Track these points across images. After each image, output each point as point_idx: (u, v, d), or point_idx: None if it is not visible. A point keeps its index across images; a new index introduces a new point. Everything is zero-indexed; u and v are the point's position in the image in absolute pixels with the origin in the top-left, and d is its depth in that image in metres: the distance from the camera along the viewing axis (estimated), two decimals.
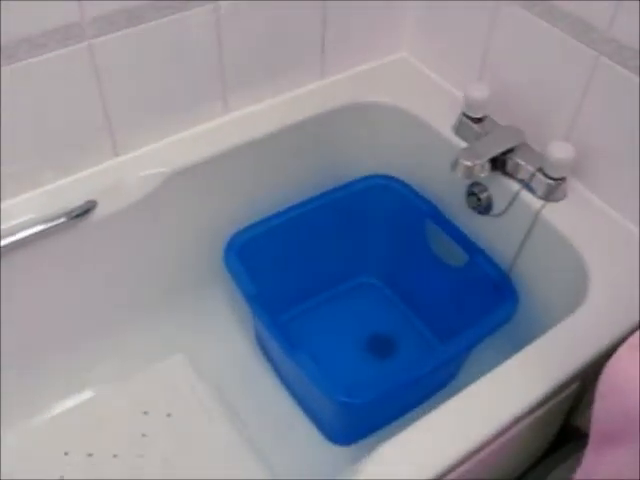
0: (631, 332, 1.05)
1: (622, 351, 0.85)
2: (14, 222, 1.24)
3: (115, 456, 1.38)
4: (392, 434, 1.01)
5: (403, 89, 1.53)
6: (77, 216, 1.27)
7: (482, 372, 1.08)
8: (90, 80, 1.21)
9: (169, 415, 1.44)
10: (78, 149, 1.29)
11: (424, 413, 1.03)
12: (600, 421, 0.88)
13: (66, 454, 1.38)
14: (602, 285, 1.18)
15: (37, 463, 1.36)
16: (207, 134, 1.40)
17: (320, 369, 1.20)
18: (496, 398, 1.04)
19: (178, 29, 1.25)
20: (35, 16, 1.09)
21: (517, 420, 1.04)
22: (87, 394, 1.46)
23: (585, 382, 1.15)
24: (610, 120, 1.23)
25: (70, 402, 1.45)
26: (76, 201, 1.28)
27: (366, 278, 1.67)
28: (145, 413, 1.44)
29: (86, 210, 1.28)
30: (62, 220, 1.26)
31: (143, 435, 1.41)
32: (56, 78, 1.18)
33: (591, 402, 0.88)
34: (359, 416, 1.37)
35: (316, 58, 1.48)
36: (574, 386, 1.13)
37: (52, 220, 1.25)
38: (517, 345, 1.12)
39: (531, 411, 1.05)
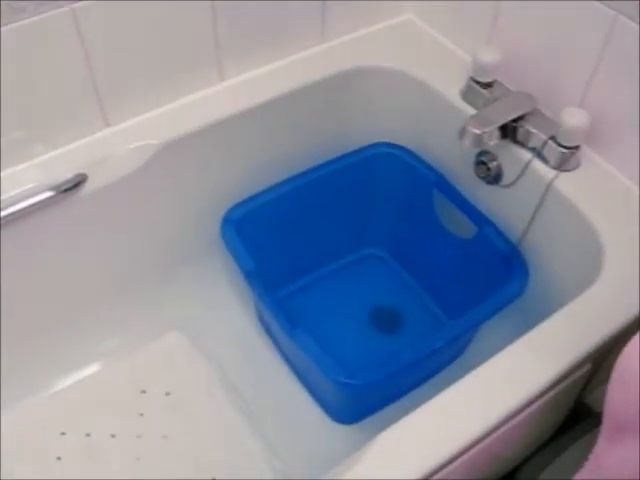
0: None
1: (637, 338, 0.81)
2: (3, 197, 1.19)
3: (113, 436, 1.35)
4: (397, 412, 0.98)
5: (408, 53, 1.46)
6: (66, 190, 1.22)
7: (490, 347, 1.04)
8: (75, 47, 1.15)
9: (168, 394, 1.40)
10: (67, 120, 1.24)
11: (430, 391, 0.99)
12: (613, 410, 0.85)
13: (63, 434, 1.35)
14: (617, 260, 1.13)
15: (34, 443, 1.33)
16: (202, 103, 1.35)
17: (321, 348, 1.15)
18: (506, 380, 1.00)
19: None
20: None
21: (528, 403, 1.00)
22: (84, 373, 1.43)
23: (598, 362, 1.10)
24: (628, 85, 1.16)
25: (67, 381, 1.42)
26: (66, 174, 1.23)
27: (371, 250, 1.62)
28: (143, 392, 1.40)
29: (76, 184, 1.23)
30: (51, 194, 1.21)
31: (141, 414, 1.38)
32: (39, 45, 1.12)
33: (603, 380, 0.85)
34: (362, 396, 1.33)
35: (316, 21, 1.42)
36: (587, 367, 1.09)
37: (41, 194, 1.20)
38: (527, 320, 1.09)
39: (542, 394, 1.01)
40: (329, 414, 1.37)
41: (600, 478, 0.89)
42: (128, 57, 1.23)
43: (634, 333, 0.82)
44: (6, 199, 1.19)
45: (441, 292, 1.52)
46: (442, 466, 0.94)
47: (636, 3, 1.09)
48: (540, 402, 1.03)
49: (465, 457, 0.97)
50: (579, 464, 0.95)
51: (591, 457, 0.91)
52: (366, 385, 1.15)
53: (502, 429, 1.00)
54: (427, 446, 0.94)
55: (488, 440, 0.99)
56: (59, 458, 1.32)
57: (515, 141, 1.28)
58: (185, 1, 1.22)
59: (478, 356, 1.04)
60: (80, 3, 1.11)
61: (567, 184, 1.23)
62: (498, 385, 0.99)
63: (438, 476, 0.95)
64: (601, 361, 1.14)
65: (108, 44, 1.19)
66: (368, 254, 1.62)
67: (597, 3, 1.14)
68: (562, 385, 1.05)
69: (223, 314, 1.52)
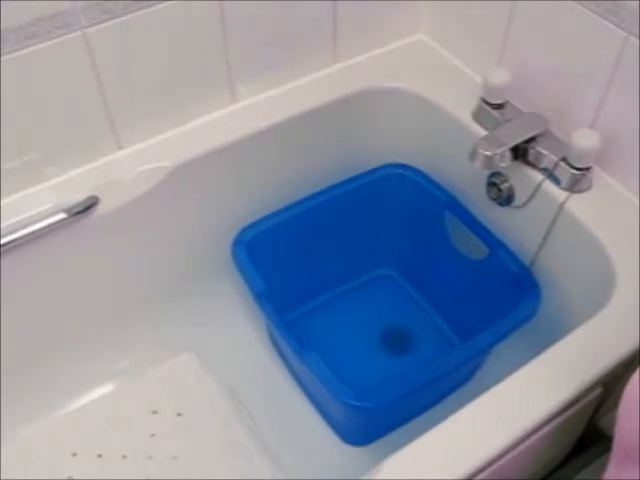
0: None
1: None
2: (16, 219, 1.21)
3: (124, 457, 1.35)
4: (408, 434, 0.97)
5: (420, 74, 1.47)
6: (79, 212, 1.23)
7: (502, 369, 1.04)
8: (87, 71, 1.16)
9: (179, 414, 1.40)
10: (79, 143, 1.25)
11: (442, 413, 0.99)
12: (623, 437, 0.84)
13: (74, 455, 1.35)
14: (629, 283, 1.12)
15: (46, 464, 1.34)
16: (214, 125, 1.35)
17: (331, 369, 1.15)
18: (517, 404, 0.99)
19: (179, 15, 1.20)
20: (25, 5, 1.05)
21: (539, 427, 0.99)
22: (96, 394, 1.43)
23: (609, 385, 1.09)
24: (638, 105, 1.15)
25: (79, 402, 1.42)
26: (78, 197, 1.24)
27: (382, 271, 1.61)
28: (154, 412, 1.40)
29: (88, 206, 1.24)
30: (63, 216, 1.22)
31: (152, 435, 1.38)
32: (52, 70, 1.13)
33: (615, 404, 0.84)
34: (371, 418, 1.33)
35: (328, 42, 1.42)
36: (598, 390, 1.08)
37: (53, 216, 1.21)
38: (538, 341, 1.08)
39: (553, 417, 1.00)
40: (340, 435, 1.37)
41: None
42: (140, 80, 1.24)
43: None
44: (19, 221, 1.20)
45: (452, 313, 1.51)
46: None
47: None
48: (551, 425, 1.02)
49: None
50: None
51: None
52: (375, 408, 1.15)
53: (513, 452, 0.99)
54: (437, 469, 0.93)
55: (499, 463, 0.98)
56: (71, 479, 1.32)
57: (526, 162, 1.28)
58: (196, 24, 1.23)
59: (490, 378, 1.03)
60: (92, 28, 1.12)
61: (579, 205, 1.23)
62: (509, 408, 0.99)
63: None
64: (613, 385, 1.12)
65: (120, 68, 1.20)
66: (379, 275, 1.61)
67: (608, 24, 1.14)
68: (573, 409, 1.04)
69: (234, 335, 1.52)
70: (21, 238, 1.19)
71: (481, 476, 0.97)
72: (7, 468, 1.32)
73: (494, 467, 0.98)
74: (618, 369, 1.03)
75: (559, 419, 1.03)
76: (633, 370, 0.81)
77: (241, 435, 1.37)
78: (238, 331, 1.53)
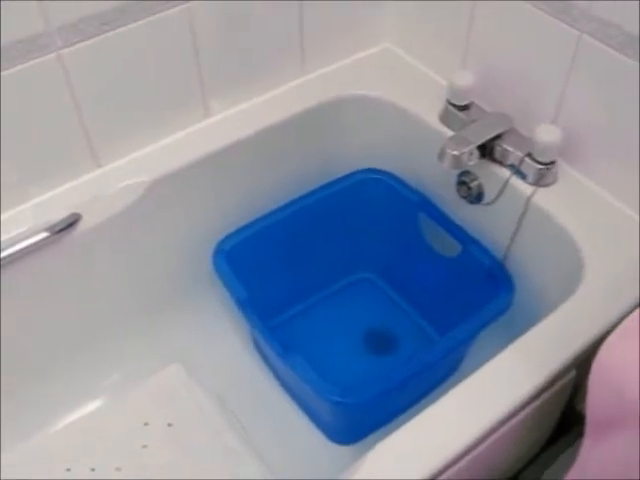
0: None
1: (612, 339, 0.84)
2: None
3: (118, 469, 1.37)
4: (394, 431, 1.00)
5: (388, 80, 1.51)
6: (61, 230, 1.25)
7: (484, 361, 1.06)
8: (63, 92, 1.19)
9: (170, 425, 1.42)
10: (59, 162, 1.28)
11: (426, 408, 1.01)
12: (594, 410, 0.87)
13: (68, 470, 1.37)
14: (597, 271, 1.16)
15: None
16: (189, 140, 1.39)
17: (315, 369, 1.18)
18: (491, 391, 1.03)
19: (151, 35, 1.23)
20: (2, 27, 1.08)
21: (515, 412, 1.03)
22: (87, 408, 1.45)
23: (582, 369, 1.12)
24: (597, 100, 1.20)
25: (70, 417, 1.44)
26: (59, 215, 1.26)
27: (361, 274, 1.65)
28: (146, 424, 1.42)
29: (70, 223, 1.26)
30: (46, 235, 1.24)
31: (144, 446, 1.40)
32: (29, 91, 1.16)
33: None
34: (357, 415, 1.35)
35: (296, 54, 1.46)
36: (571, 374, 1.11)
37: (36, 235, 1.24)
38: (517, 331, 1.11)
39: (528, 402, 1.04)
40: (328, 435, 1.40)
41: (586, 476, 0.91)
42: (115, 99, 1.27)
43: None
44: (2, 242, 1.22)
45: (432, 311, 1.54)
46: (434, 476, 0.96)
47: (598, 22, 1.13)
48: (528, 410, 1.06)
49: (457, 467, 1.00)
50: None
51: (578, 457, 0.94)
52: (359, 403, 1.18)
53: (492, 438, 1.02)
54: (419, 457, 0.96)
55: (479, 449, 1.01)
56: None
57: (493, 160, 1.32)
58: (168, 43, 1.26)
59: (472, 371, 1.06)
60: (66, 49, 1.15)
61: (546, 199, 1.27)
62: (485, 395, 1.02)
63: None
64: (586, 368, 1.16)
65: (95, 87, 1.23)
66: (359, 278, 1.65)
67: (561, 23, 1.18)
68: (549, 392, 1.08)
69: (220, 344, 1.54)
70: (4, 259, 1.21)
71: (463, 462, 1.00)
72: None
73: (475, 453, 1.01)
74: (589, 352, 1.06)
75: (536, 403, 1.06)
76: None
77: (232, 441, 1.39)
78: (223, 341, 1.55)
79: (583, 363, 1.09)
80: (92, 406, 1.46)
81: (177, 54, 1.29)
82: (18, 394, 1.41)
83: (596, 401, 0.86)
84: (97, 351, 1.47)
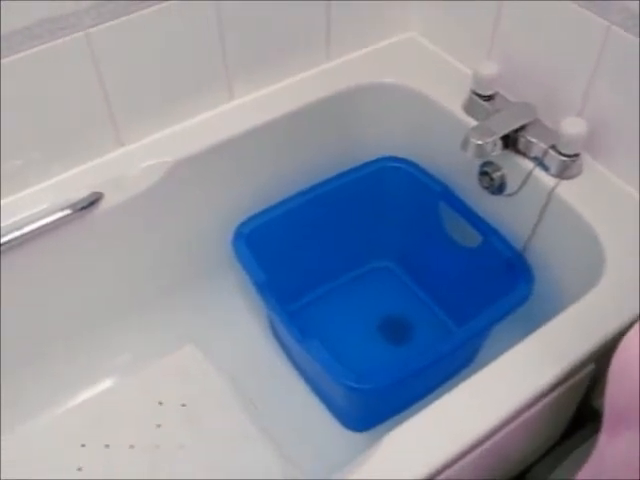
0: None
1: (633, 333, 0.83)
2: (20, 216, 1.24)
3: (132, 447, 1.38)
4: (408, 419, 0.99)
5: (412, 69, 1.50)
6: (83, 208, 1.26)
7: (500, 353, 1.06)
8: (89, 70, 1.20)
9: (184, 405, 1.43)
10: (82, 141, 1.28)
11: (439, 398, 1.01)
12: (613, 404, 0.86)
13: (83, 446, 1.38)
14: (618, 265, 1.15)
15: (54, 455, 1.37)
16: (213, 121, 1.39)
17: (332, 355, 1.18)
18: (508, 382, 1.02)
19: (178, 15, 1.23)
20: (30, 6, 1.08)
21: (531, 404, 1.02)
22: (102, 386, 1.46)
23: (601, 364, 1.12)
24: (624, 93, 1.19)
25: (86, 394, 1.45)
26: (81, 193, 1.27)
27: (380, 262, 1.65)
28: (160, 403, 1.43)
29: (92, 202, 1.27)
30: (67, 212, 1.25)
31: (158, 425, 1.41)
32: (55, 69, 1.16)
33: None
34: (371, 402, 1.35)
35: (322, 40, 1.46)
36: (589, 368, 1.11)
37: (57, 212, 1.24)
38: (535, 324, 1.10)
39: (545, 394, 1.03)
40: (342, 422, 1.40)
41: (602, 471, 0.90)
42: (140, 79, 1.27)
43: None
44: (24, 218, 1.23)
45: (449, 301, 1.54)
46: (448, 466, 0.96)
47: (627, 14, 1.12)
48: (544, 402, 1.05)
49: (470, 457, 1.00)
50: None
51: (594, 452, 0.93)
52: (375, 390, 1.18)
53: (506, 429, 1.02)
54: (433, 446, 0.96)
55: (493, 440, 1.01)
56: (80, 469, 1.35)
57: (517, 151, 1.31)
58: (194, 24, 1.26)
59: (488, 362, 1.05)
60: (94, 28, 1.15)
61: (569, 191, 1.26)
62: (501, 386, 1.01)
63: (444, 475, 0.97)
64: (605, 364, 1.15)
65: (121, 66, 1.23)
66: (378, 266, 1.64)
67: (590, 14, 1.17)
68: (566, 385, 1.07)
69: (237, 327, 1.55)
70: (26, 235, 1.22)
71: (476, 452, 1.00)
72: (18, 459, 1.35)
73: (487, 445, 1.01)
74: (609, 346, 1.06)
75: (553, 395, 1.06)
76: None
77: (245, 424, 1.40)
78: (240, 323, 1.55)
79: (602, 357, 1.09)
80: (107, 384, 1.47)
81: (203, 36, 1.29)
82: (34, 370, 1.42)
83: (615, 396, 0.85)
84: (113, 329, 1.48)
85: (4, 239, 1.20)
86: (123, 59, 1.23)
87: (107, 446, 1.38)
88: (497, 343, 1.35)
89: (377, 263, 1.65)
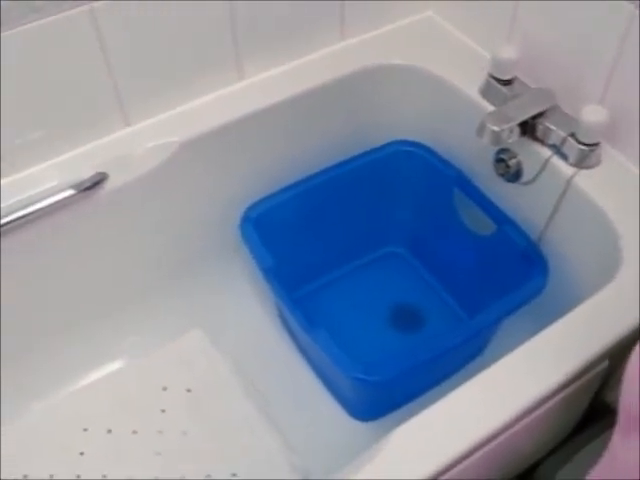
0: None
1: None
2: (24, 196, 1.21)
3: (135, 432, 1.36)
4: (417, 410, 0.97)
5: (428, 50, 1.46)
6: (87, 189, 1.24)
7: (510, 345, 1.03)
8: (94, 46, 1.17)
9: (189, 390, 1.41)
10: (87, 119, 1.25)
11: (450, 389, 0.99)
12: (627, 405, 0.84)
13: (85, 430, 1.36)
14: (635, 258, 1.12)
15: (57, 439, 1.35)
16: (221, 102, 1.35)
17: (339, 345, 1.16)
18: (523, 377, 1.00)
19: None
20: None
21: (543, 400, 1.00)
22: (106, 370, 1.45)
23: (615, 360, 1.09)
24: None
25: (89, 379, 1.43)
26: (86, 173, 1.24)
27: (391, 248, 1.62)
28: (164, 389, 1.41)
29: (97, 182, 1.24)
30: (72, 193, 1.22)
31: (162, 411, 1.39)
32: (58, 45, 1.14)
33: (621, 379, 0.84)
34: (379, 393, 1.33)
35: (335, 18, 1.42)
36: (603, 364, 1.08)
37: (62, 192, 1.22)
38: (547, 317, 1.08)
39: (558, 391, 1.01)
40: (348, 411, 1.38)
41: (614, 473, 0.88)
42: (147, 56, 1.24)
43: None
44: (28, 198, 1.20)
45: (461, 290, 1.51)
46: (457, 462, 0.94)
47: None
48: (557, 399, 1.03)
49: (481, 453, 0.97)
50: (597, 462, 0.94)
51: (606, 453, 0.91)
52: (382, 381, 1.16)
53: (518, 426, 1.00)
54: (442, 441, 0.94)
55: (504, 437, 0.99)
56: (82, 453, 1.33)
57: (535, 138, 1.28)
58: (204, 0, 1.23)
59: (498, 354, 1.03)
60: (99, 3, 1.12)
61: (587, 181, 1.22)
62: (514, 381, 0.99)
63: (453, 472, 0.95)
64: (619, 359, 1.12)
65: (127, 43, 1.20)
66: (388, 252, 1.61)
67: None
68: (579, 382, 1.05)
69: (244, 312, 1.52)
70: (30, 214, 1.20)
71: (487, 448, 0.98)
72: (19, 442, 1.33)
73: (499, 439, 0.99)
74: (624, 343, 1.03)
75: (565, 392, 1.03)
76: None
77: (250, 411, 1.38)
78: (247, 309, 1.53)
79: (617, 354, 1.06)
80: (111, 368, 1.45)
81: (213, 13, 1.26)
82: (38, 353, 1.40)
83: (630, 395, 0.83)
84: (118, 313, 1.46)
85: (5, 220, 1.18)
86: (129, 36, 1.19)
87: (110, 431, 1.36)
88: (507, 334, 1.34)
89: (388, 249, 1.61)
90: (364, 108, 1.49)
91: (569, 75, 1.28)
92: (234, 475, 1.30)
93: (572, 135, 1.22)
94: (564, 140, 1.23)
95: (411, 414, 0.97)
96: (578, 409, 1.22)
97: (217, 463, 1.32)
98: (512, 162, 1.32)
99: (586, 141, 1.21)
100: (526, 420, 1.00)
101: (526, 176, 1.31)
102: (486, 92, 1.35)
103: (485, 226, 1.38)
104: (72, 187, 1.22)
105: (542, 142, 1.27)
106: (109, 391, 1.41)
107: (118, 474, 1.31)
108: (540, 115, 1.25)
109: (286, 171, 1.43)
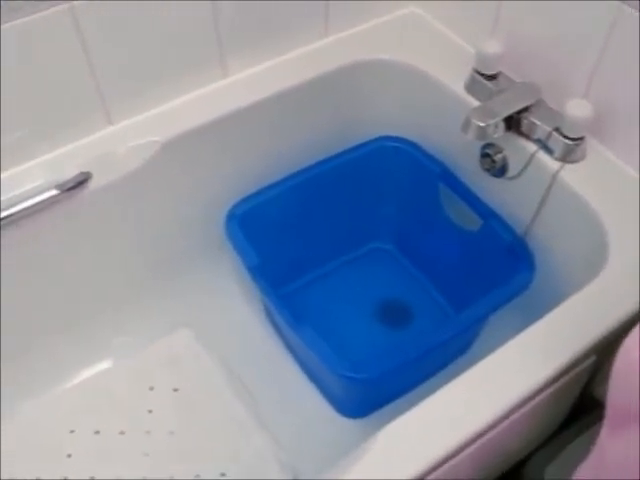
0: None
1: (639, 328, 0.80)
2: (6, 197, 1.19)
3: (122, 433, 1.35)
4: (406, 406, 0.97)
5: (412, 45, 1.46)
6: (71, 188, 1.22)
7: (498, 341, 1.03)
8: (75, 45, 1.15)
9: (176, 390, 1.40)
10: (69, 119, 1.24)
11: (439, 385, 0.99)
12: (615, 400, 0.84)
13: (72, 432, 1.35)
14: (622, 251, 1.12)
15: (44, 441, 1.34)
16: (204, 100, 1.34)
17: (326, 340, 1.15)
18: (510, 373, 1.00)
19: None
20: None
21: (532, 395, 1.00)
22: (92, 370, 1.43)
23: (603, 355, 1.09)
24: (632, 75, 1.14)
25: (75, 380, 1.42)
26: (70, 173, 1.23)
27: (377, 244, 1.61)
28: (151, 389, 1.41)
29: (80, 182, 1.23)
30: (55, 193, 1.21)
31: (149, 411, 1.38)
32: (39, 44, 1.12)
33: (609, 374, 0.84)
34: (367, 390, 1.33)
35: (319, 15, 1.41)
36: (591, 359, 1.08)
37: (45, 192, 1.20)
38: (534, 311, 1.08)
39: (546, 386, 1.01)
40: (337, 408, 1.37)
41: (603, 467, 0.88)
42: (130, 55, 1.23)
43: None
44: (10, 198, 1.19)
45: (448, 285, 1.51)
46: (446, 459, 0.94)
47: None
48: (545, 394, 1.03)
49: (470, 450, 0.97)
50: (585, 457, 0.95)
51: (594, 448, 0.91)
52: (370, 379, 1.16)
53: (506, 421, 0.99)
54: (431, 439, 0.94)
55: (492, 432, 0.99)
56: (69, 455, 1.32)
57: (520, 133, 1.27)
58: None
59: (486, 350, 1.03)
60: (78, 2, 1.11)
61: (572, 175, 1.22)
62: (502, 377, 0.99)
63: (442, 469, 0.95)
64: (607, 354, 1.13)
65: (109, 42, 1.19)
66: (374, 248, 1.61)
67: None
68: (567, 377, 1.05)
69: (231, 311, 1.52)
70: (13, 215, 1.18)
71: (476, 445, 0.98)
72: (5, 444, 1.32)
73: (489, 435, 0.99)
74: (612, 337, 1.03)
75: (553, 387, 1.03)
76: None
77: (238, 409, 1.37)
78: (234, 307, 1.52)
79: (605, 348, 1.06)
80: (98, 368, 1.44)
81: (195, 9, 1.24)
82: (24, 354, 1.39)
83: (618, 390, 0.83)
84: (104, 314, 1.45)
85: None
86: (111, 34, 1.18)
87: (97, 432, 1.35)
88: (495, 328, 1.34)
89: (374, 245, 1.61)
90: (349, 104, 1.48)
91: (554, 69, 1.28)
92: (223, 475, 1.30)
93: (557, 129, 1.22)
94: (549, 135, 1.23)
95: (399, 410, 0.97)
96: (566, 404, 1.23)
97: (206, 463, 1.31)
98: (498, 157, 1.32)
99: (571, 135, 1.21)
100: (515, 415, 1.00)
101: (512, 171, 1.31)
102: (471, 87, 1.35)
103: (471, 221, 1.38)
104: (56, 187, 1.21)
105: (527, 137, 1.27)
106: (96, 392, 1.40)
107: (106, 475, 1.30)
108: (525, 110, 1.25)
109: (271, 168, 1.42)
